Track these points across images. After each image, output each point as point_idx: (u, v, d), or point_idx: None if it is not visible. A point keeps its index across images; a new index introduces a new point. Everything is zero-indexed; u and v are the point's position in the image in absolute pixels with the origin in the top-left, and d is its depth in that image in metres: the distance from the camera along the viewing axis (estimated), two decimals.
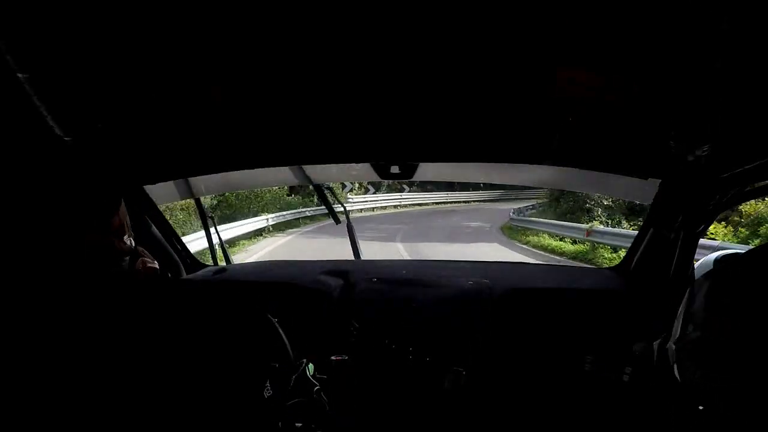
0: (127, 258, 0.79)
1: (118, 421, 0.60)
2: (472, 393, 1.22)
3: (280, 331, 0.75)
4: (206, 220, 1.74)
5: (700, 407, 0.51)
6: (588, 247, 8.12)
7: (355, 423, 1.20)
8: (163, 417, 0.63)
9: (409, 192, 19.24)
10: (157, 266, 0.85)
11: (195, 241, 4.49)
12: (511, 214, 12.94)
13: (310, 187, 1.80)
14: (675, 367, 0.57)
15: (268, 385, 0.71)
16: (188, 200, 1.80)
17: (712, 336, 0.53)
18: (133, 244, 0.80)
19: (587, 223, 9.19)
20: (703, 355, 0.53)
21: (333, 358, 1.21)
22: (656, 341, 0.71)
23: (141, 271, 0.81)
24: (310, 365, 0.86)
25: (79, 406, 0.59)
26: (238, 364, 0.69)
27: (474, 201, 21.83)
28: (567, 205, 11.95)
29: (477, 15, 0.77)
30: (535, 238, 9.80)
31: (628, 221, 9.61)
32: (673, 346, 0.59)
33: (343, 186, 13.80)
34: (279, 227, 11.31)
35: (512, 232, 11.39)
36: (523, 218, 12.16)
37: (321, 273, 1.50)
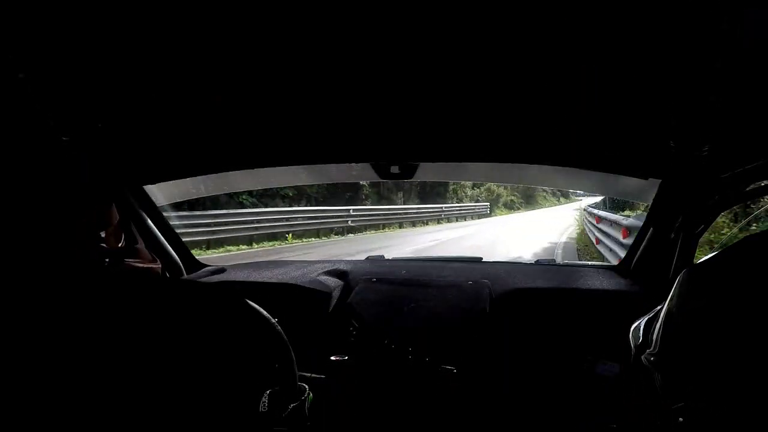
0: (123, 257, 0.79)
1: (116, 421, 0.60)
2: (472, 393, 1.22)
3: (281, 331, 0.75)
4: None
5: (680, 419, 0.49)
6: None
7: (355, 423, 1.20)
8: (160, 417, 0.63)
9: None
10: (159, 266, 0.85)
11: None
12: None
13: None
14: (655, 379, 0.53)
15: (265, 399, 0.71)
16: None
17: (686, 341, 0.50)
18: (128, 244, 0.80)
19: None
20: (680, 365, 0.50)
21: (333, 358, 1.21)
22: (633, 349, 0.68)
23: (141, 270, 0.81)
24: (311, 395, 0.84)
25: (75, 406, 0.59)
26: (238, 365, 0.69)
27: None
28: None
29: (477, 14, 0.77)
30: None
31: None
32: (650, 358, 0.56)
33: None
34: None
35: None
36: None
37: (321, 273, 1.50)
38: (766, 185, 1.06)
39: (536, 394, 1.25)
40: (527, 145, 1.21)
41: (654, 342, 0.55)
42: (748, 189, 1.08)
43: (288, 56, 0.89)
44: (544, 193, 36.64)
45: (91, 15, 0.74)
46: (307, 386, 0.80)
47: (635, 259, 1.44)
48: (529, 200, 32.76)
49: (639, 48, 0.81)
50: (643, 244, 1.41)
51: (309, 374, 0.93)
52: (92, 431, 0.60)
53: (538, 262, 1.80)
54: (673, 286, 0.56)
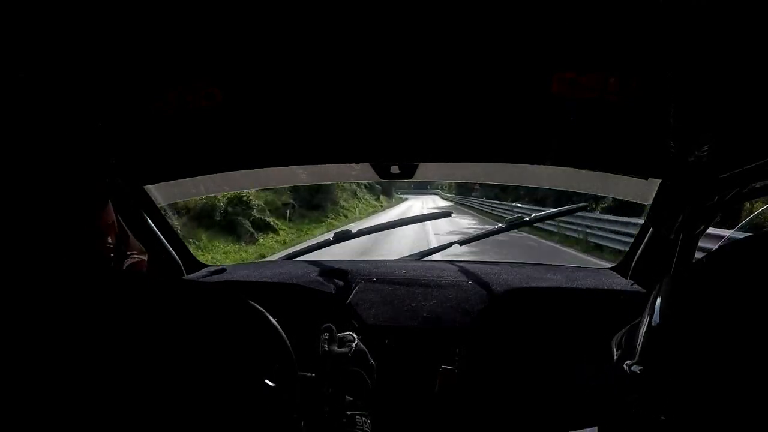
0: (116, 255, 0.79)
1: (117, 421, 0.60)
2: (472, 393, 1.22)
3: (281, 331, 0.75)
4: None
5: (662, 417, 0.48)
6: None
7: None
8: (160, 417, 0.63)
9: None
10: (144, 259, 0.85)
11: None
12: None
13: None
14: (636, 387, 0.52)
15: (270, 383, 0.71)
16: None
17: (654, 363, 0.50)
18: (121, 241, 0.81)
19: None
20: (661, 376, 0.49)
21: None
22: (615, 357, 0.67)
23: (130, 266, 0.81)
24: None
25: (77, 405, 0.59)
26: (238, 365, 0.69)
27: None
28: None
29: (477, 15, 0.77)
30: None
31: None
32: (630, 368, 0.55)
33: None
34: None
35: None
36: None
37: (321, 273, 1.50)
38: (766, 185, 1.05)
39: (536, 393, 1.25)
40: (527, 145, 1.21)
41: (637, 351, 0.55)
42: (748, 189, 1.08)
43: (288, 56, 0.89)
44: (353, 187, 21.53)
45: (91, 15, 0.74)
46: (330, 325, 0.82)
47: (635, 260, 1.44)
48: (314, 198, 16.04)
49: (639, 48, 0.81)
50: (643, 244, 1.41)
51: (309, 374, 0.93)
52: (91, 429, 0.60)
53: (538, 263, 1.80)
54: (653, 295, 0.55)
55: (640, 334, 0.55)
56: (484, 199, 22.96)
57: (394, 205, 30.92)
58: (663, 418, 0.47)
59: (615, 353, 0.62)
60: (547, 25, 0.78)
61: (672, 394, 0.47)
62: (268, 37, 0.83)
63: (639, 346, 0.54)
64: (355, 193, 23.47)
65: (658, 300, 0.54)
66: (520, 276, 1.45)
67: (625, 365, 0.55)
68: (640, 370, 0.52)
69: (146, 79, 0.94)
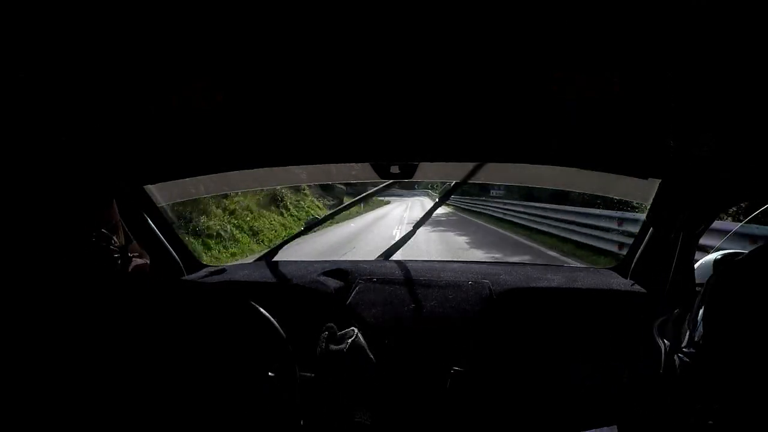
0: (119, 257, 0.79)
1: (117, 421, 0.60)
2: (472, 393, 1.22)
3: (281, 331, 0.75)
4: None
5: (710, 422, 0.48)
6: None
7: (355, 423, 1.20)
8: (162, 417, 0.63)
9: None
10: (147, 262, 0.85)
11: None
12: None
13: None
14: (691, 377, 0.52)
15: (271, 374, 0.71)
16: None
17: (713, 352, 0.50)
18: (124, 243, 0.80)
19: None
20: (707, 374, 0.49)
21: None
22: (665, 347, 0.67)
23: (133, 269, 0.81)
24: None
25: (79, 405, 0.59)
26: (238, 365, 0.69)
27: None
28: None
29: (477, 14, 0.77)
30: None
31: None
32: (678, 358, 0.55)
33: None
34: None
35: None
36: None
37: (321, 273, 1.50)
38: (766, 185, 1.05)
39: (537, 393, 1.25)
40: (527, 145, 1.21)
41: (689, 340, 0.54)
42: (748, 189, 1.08)
43: (288, 56, 0.88)
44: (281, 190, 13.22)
45: (91, 15, 0.74)
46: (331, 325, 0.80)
47: (635, 260, 1.44)
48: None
49: (638, 47, 0.81)
50: (643, 244, 1.41)
51: (309, 374, 0.93)
52: (93, 429, 0.60)
53: (538, 263, 1.80)
54: (707, 282, 0.55)
55: (691, 322, 0.55)
56: (528, 206, 12.40)
57: (361, 214, 19.87)
58: (716, 407, 0.46)
59: (661, 344, 0.62)
60: (547, 25, 0.78)
61: (730, 382, 0.46)
62: (268, 38, 0.83)
63: (691, 334, 0.54)
64: (279, 200, 12.49)
65: (710, 290, 0.54)
66: (520, 276, 1.45)
67: (675, 355, 0.55)
68: (693, 358, 0.52)
69: (147, 79, 0.93)
